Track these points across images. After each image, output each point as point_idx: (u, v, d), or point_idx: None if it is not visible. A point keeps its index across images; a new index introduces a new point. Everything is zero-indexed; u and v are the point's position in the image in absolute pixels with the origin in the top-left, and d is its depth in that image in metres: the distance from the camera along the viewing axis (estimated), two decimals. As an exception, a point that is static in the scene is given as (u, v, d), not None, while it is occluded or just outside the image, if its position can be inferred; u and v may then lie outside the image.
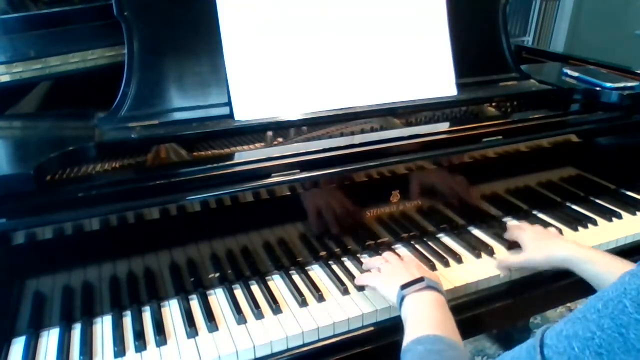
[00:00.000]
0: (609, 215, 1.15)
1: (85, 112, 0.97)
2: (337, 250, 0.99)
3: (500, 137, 1.05)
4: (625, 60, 1.45)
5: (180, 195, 0.82)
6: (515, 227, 1.04)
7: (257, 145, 0.98)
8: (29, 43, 1.05)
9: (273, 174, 0.87)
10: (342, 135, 1.03)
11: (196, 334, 0.81)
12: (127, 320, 0.84)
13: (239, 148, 0.97)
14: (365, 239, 1.01)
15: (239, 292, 0.90)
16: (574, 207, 1.19)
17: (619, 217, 1.15)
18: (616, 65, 1.38)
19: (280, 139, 1.00)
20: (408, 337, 0.72)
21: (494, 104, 1.19)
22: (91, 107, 0.97)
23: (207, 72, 0.97)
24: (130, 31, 0.92)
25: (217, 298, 0.89)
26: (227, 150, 0.96)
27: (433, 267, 0.96)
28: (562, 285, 0.99)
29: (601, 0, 3.58)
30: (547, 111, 1.15)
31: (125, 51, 0.92)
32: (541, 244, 0.96)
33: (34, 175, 0.72)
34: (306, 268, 0.96)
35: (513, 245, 1.02)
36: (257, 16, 0.97)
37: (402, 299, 0.79)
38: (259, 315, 0.84)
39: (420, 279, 0.80)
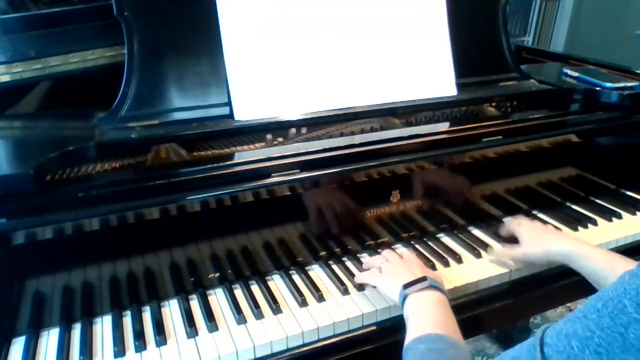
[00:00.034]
0: (609, 215, 1.15)
1: (85, 112, 0.97)
2: (337, 250, 0.99)
3: (500, 137, 1.05)
4: (625, 60, 1.45)
5: (180, 195, 0.82)
6: (513, 221, 1.04)
7: (257, 145, 0.98)
8: (29, 43, 1.05)
9: (273, 174, 0.87)
10: (342, 135, 1.03)
11: (196, 334, 0.81)
12: (127, 320, 0.84)
13: (239, 148, 0.97)
14: (365, 239, 1.01)
15: (239, 292, 0.90)
16: (574, 207, 1.19)
17: (619, 217, 1.15)
18: (616, 65, 1.38)
19: (280, 139, 1.00)
20: (410, 336, 0.72)
21: (494, 104, 1.19)
22: (91, 107, 0.97)
23: (207, 72, 0.97)
24: (130, 31, 0.92)
25: (217, 298, 0.89)
26: (227, 150, 0.96)
27: (433, 267, 0.96)
28: (562, 285, 0.99)
29: (601, 0, 3.58)
30: (547, 111, 1.15)
31: (125, 51, 0.92)
32: (539, 238, 0.96)
33: (34, 175, 0.72)
34: (306, 268, 0.96)
35: (510, 241, 1.02)
36: (257, 16, 0.97)
37: (404, 298, 0.79)
38: (259, 315, 0.84)
39: (423, 279, 0.80)
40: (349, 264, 0.98)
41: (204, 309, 0.85)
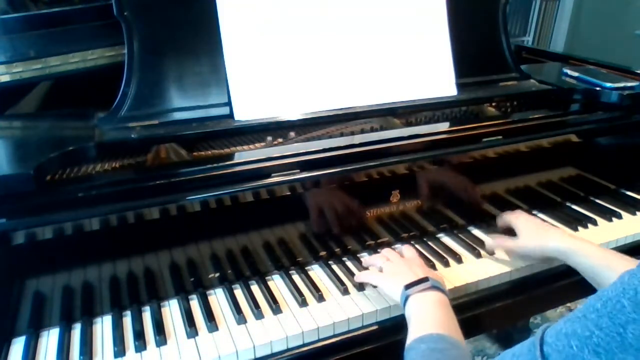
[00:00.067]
0: (609, 215, 1.15)
1: (85, 112, 0.97)
2: (337, 250, 0.99)
3: (500, 137, 1.05)
4: (625, 60, 1.45)
5: (180, 195, 0.82)
6: (510, 214, 1.04)
7: (257, 145, 0.98)
8: (29, 43, 1.05)
9: (273, 174, 0.87)
10: (342, 135, 1.03)
11: (196, 334, 0.81)
12: (127, 320, 0.84)
13: (239, 148, 0.97)
14: (365, 239, 1.01)
15: (239, 292, 0.90)
16: (574, 207, 1.19)
17: (619, 217, 1.15)
18: (616, 65, 1.38)
19: (280, 139, 1.00)
20: (411, 336, 0.72)
21: (494, 104, 1.19)
22: (91, 107, 0.97)
23: (207, 72, 0.97)
24: (130, 31, 0.92)
25: (217, 298, 0.89)
26: (227, 150, 0.96)
27: (433, 267, 0.96)
28: (562, 285, 0.99)
29: (601, 0, 3.59)
30: (547, 111, 1.15)
31: (125, 51, 0.92)
32: (536, 232, 0.96)
33: (34, 175, 0.72)
34: (306, 268, 0.96)
35: (506, 234, 1.02)
36: (257, 16, 0.97)
37: (406, 298, 0.79)
38: (259, 315, 0.84)
39: (425, 279, 0.81)
40: (349, 263, 0.98)
41: (204, 309, 0.85)
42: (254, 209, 0.88)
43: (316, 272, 0.96)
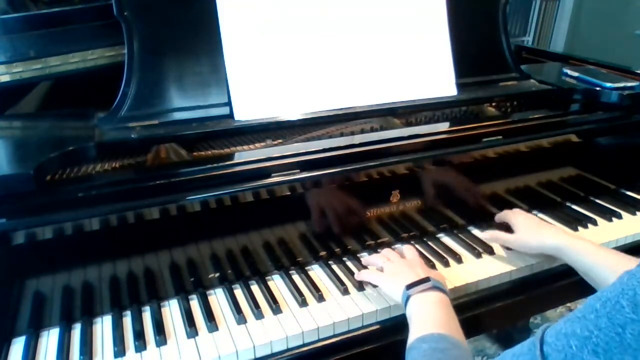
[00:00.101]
0: (609, 215, 1.15)
1: (85, 112, 0.97)
2: (337, 250, 0.99)
3: (500, 137, 1.05)
4: (625, 60, 1.45)
5: (180, 195, 0.82)
6: (508, 211, 1.05)
7: (257, 145, 0.98)
8: (29, 43, 1.05)
9: (273, 174, 0.87)
10: (342, 135, 1.03)
11: (196, 334, 0.81)
12: (127, 320, 0.84)
13: (239, 148, 0.97)
14: (365, 239, 1.01)
15: (239, 292, 0.90)
16: (574, 207, 1.19)
17: (619, 217, 1.15)
18: (616, 65, 1.38)
19: (280, 139, 1.00)
20: (413, 335, 0.72)
21: (494, 104, 1.19)
22: (91, 107, 0.97)
23: (207, 72, 0.97)
24: (130, 31, 0.92)
25: (217, 298, 0.89)
26: (227, 150, 0.96)
27: (433, 267, 0.96)
28: (562, 285, 0.99)
29: (601, 0, 3.59)
30: (547, 111, 1.15)
31: (125, 51, 0.92)
32: (534, 229, 0.97)
33: (34, 175, 0.72)
34: (306, 268, 0.96)
35: (504, 230, 1.03)
36: (257, 16, 0.97)
37: (407, 298, 0.80)
38: (259, 315, 0.84)
39: (426, 279, 0.81)
40: (349, 263, 0.98)
41: (204, 309, 0.85)
42: (254, 209, 0.88)
43: (316, 272, 0.96)
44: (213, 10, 0.94)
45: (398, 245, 1.03)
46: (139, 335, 0.80)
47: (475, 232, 1.09)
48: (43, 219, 0.75)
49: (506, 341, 1.85)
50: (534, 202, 1.17)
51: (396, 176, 0.97)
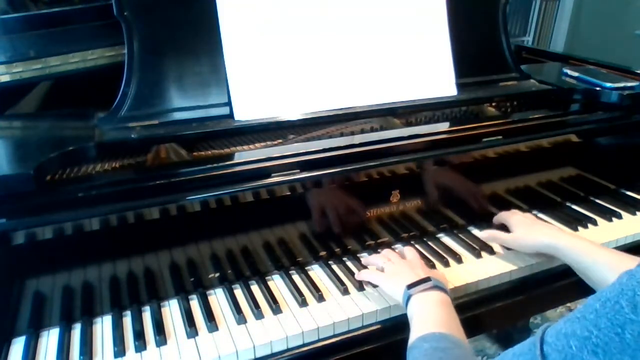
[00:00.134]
0: (609, 215, 1.15)
1: (85, 112, 0.97)
2: (337, 250, 0.99)
3: (500, 137, 1.05)
4: (625, 60, 1.45)
5: (180, 195, 0.82)
6: (505, 212, 1.05)
7: (257, 145, 0.98)
8: (29, 43, 1.05)
9: (273, 174, 0.87)
10: (342, 135, 1.03)
11: (196, 334, 0.81)
12: (127, 320, 0.84)
13: (239, 148, 0.97)
14: (365, 239, 1.01)
15: (239, 292, 0.90)
16: (574, 207, 1.19)
17: (619, 217, 1.15)
18: (616, 65, 1.38)
19: (280, 139, 1.00)
20: (414, 335, 0.73)
21: (494, 104, 1.19)
22: (91, 107, 0.97)
23: (207, 72, 0.97)
24: (130, 31, 0.92)
25: (217, 298, 0.89)
26: (227, 150, 0.96)
27: (433, 267, 0.96)
28: (562, 285, 0.99)
29: (601, 0, 3.59)
30: (547, 111, 1.15)
31: (125, 51, 0.92)
32: (530, 228, 0.98)
33: (34, 175, 0.72)
34: (306, 268, 0.96)
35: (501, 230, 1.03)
36: (257, 16, 0.97)
37: (408, 298, 0.80)
38: (259, 315, 0.84)
39: (427, 279, 0.81)
40: (349, 263, 0.98)
41: (204, 309, 0.85)
42: (254, 209, 0.88)
43: (316, 272, 0.96)
44: (213, 10, 0.94)
45: (398, 246, 1.03)
46: (139, 335, 0.80)
47: (475, 232, 1.09)
48: (43, 219, 0.75)
49: (506, 341, 1.85)
50: (534, 202, 1.17)
51: (396, 176, 0.97)
